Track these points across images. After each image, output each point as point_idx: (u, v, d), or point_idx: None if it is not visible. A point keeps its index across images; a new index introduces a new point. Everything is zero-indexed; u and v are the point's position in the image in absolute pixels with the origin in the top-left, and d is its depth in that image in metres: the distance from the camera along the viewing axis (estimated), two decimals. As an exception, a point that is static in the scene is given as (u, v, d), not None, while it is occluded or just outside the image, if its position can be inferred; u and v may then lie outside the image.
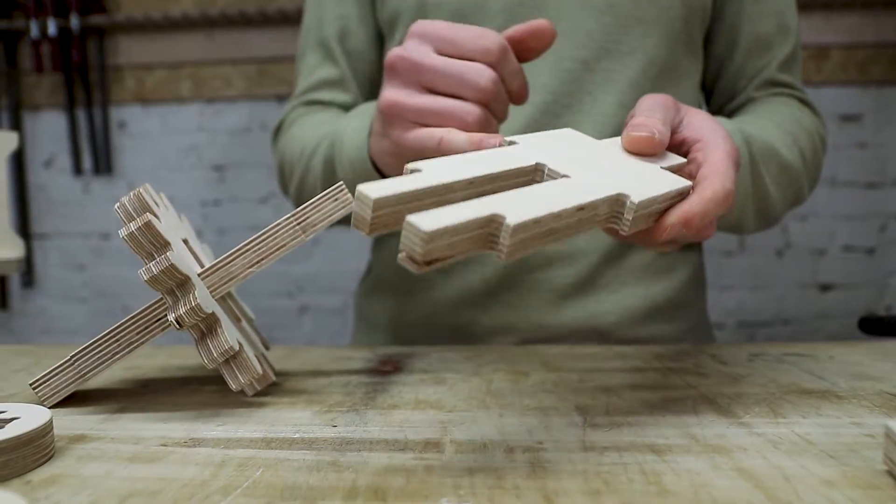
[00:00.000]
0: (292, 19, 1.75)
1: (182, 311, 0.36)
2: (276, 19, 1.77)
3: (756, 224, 0.64)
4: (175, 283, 0.37)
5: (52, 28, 1.77)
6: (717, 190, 0.37)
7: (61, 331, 1.97)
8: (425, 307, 0.68)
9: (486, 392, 0.43)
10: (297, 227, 0.41)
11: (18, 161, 1.90)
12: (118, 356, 0.40)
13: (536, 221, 0.28)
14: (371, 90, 0.75)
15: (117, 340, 0.39)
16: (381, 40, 0.74)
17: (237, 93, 1.87)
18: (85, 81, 1.86)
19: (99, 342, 0.40)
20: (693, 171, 0.40)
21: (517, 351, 0.56)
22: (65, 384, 0.40)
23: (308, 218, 0.41)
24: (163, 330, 0.39)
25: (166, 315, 0.38)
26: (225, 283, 0.40)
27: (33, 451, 0.30)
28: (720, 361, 0.50)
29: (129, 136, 1.91)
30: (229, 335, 0.38)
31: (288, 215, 0.41)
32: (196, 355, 0.55)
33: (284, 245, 0.41)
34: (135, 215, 0.39)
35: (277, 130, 0.76)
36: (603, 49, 0.64)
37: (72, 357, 0.40)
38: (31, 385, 0.40)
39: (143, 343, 0.39)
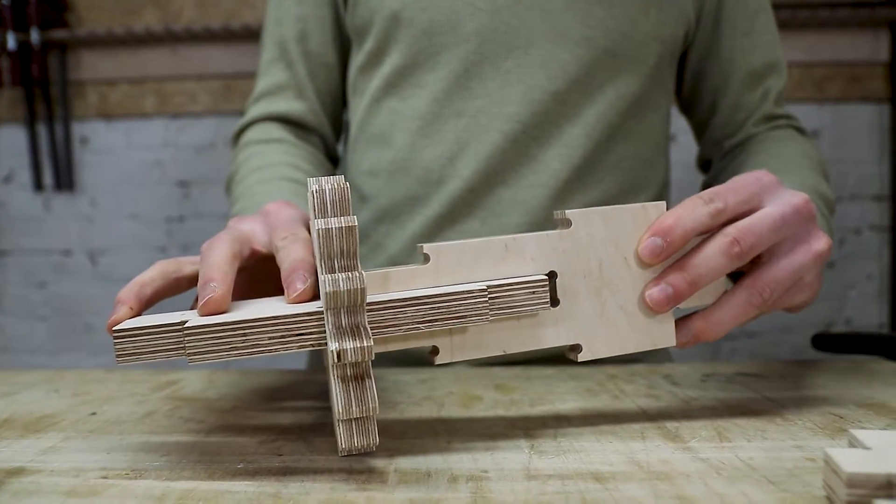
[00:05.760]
0: (257, 35, 1.74)
1: (350, 345, 0.31)
2: (240, 35, 1.76)
3: None
4: (349, 307, 0.32)
5: (11, 42, 1.74)
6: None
7: (21, 350, 1.93)
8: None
9: (436, 417, 0.43)
10: (485, 304, 0.35)
11: (-23, 177, 1.86)
12: (234, 353, 0.32)
13: None
14: (331, 98, 0.75)
15: (244, 336, 0.32)
16: (342, 44, 0.73)
17: (202, 108, 1.85)
18: (46, 96, 1.83)
19: (220, 327, 0.32)
20: None
21: (471, 373, 0.56)
22: (152, 349, 0.33)
23: (499, 297, 0.35)
24: (299, 347, 0.33)
25: (312, 331, 0.33)
26: (385, 329, 0.34)
27: (-35, 488, 0.30)
28: (673, 382, 0.50)
29: (92, 151, 1.88)
30: (376, 394, 0.33)
31: (483, 282, 0.36)
32: (147, 379, 0.54)
33: (464, 318, 0.34)
34: (331, 209, 0.32)
35: (238, 136, 0.75)
36: (575, 81, 0.63)
37: (182, 325, 0.32)
38: (113, 328, 0.33)
39: (268, 352, 0.32)
